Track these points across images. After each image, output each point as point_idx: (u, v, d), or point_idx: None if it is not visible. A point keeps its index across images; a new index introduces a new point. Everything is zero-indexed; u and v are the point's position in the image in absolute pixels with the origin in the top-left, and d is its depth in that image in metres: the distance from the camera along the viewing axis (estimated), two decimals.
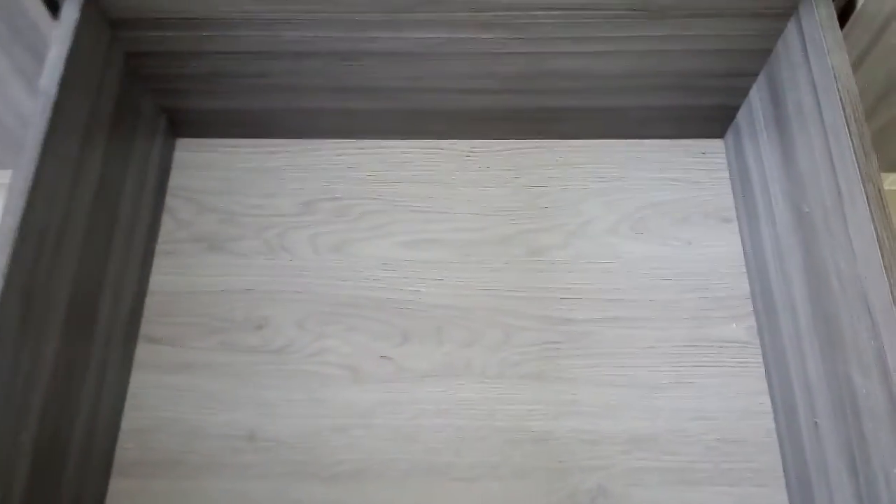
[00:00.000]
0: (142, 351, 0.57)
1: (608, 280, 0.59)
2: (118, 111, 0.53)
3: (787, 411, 0.52)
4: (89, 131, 0.49)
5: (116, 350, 0.54)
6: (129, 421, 0.54)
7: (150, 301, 0.58)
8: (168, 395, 0.55)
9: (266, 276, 0.59)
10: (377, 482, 0.53)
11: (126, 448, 0.53)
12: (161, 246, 0.60)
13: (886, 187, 0.45)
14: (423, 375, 0.56)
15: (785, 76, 0.53)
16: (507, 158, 0.64)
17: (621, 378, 0.56)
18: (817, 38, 0.49)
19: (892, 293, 0.41)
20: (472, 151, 0.65)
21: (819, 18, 0.49)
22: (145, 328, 0.57)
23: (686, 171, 0.64)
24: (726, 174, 0.64)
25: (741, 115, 0.61)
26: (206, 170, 0.63)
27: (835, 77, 0.47)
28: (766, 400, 0.55)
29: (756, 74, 0.58)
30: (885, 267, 0.42)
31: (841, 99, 0.46)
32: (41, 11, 0.51)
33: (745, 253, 0.60)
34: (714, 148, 0.65)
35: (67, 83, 0.46)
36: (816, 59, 0.49)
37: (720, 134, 0.65)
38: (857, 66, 0.56)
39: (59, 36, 0.47)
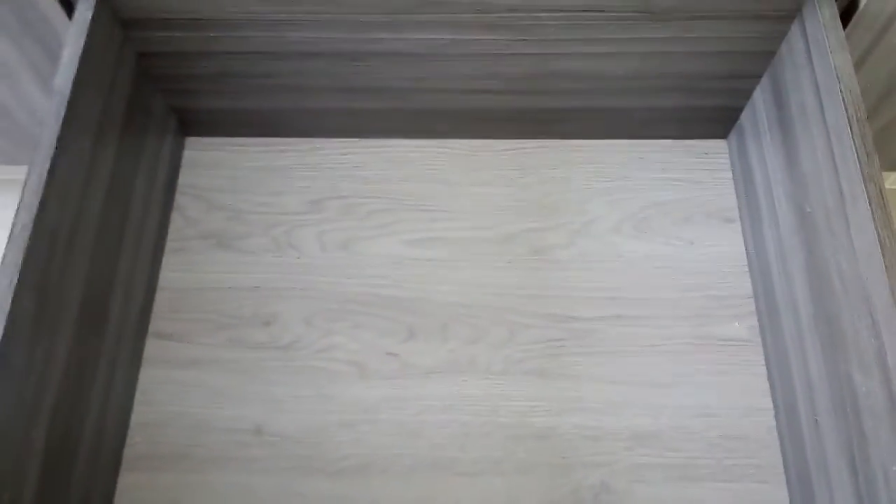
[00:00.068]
0: (151, 347, 0.57)
1: (611, 278, 0.60)
2: (129, 110, 0.54)
3: (788, 409, 0.53)
4: (101, 130, 0.50)
5: (126, 347, 0.54)
6: (137, 416, 0.55)
7: (159, 297, 0.59)
8: (176, 391, 0.56)
9: (274, 273, 0.60)
10: (382, 477, 0.53)
11: (135, 442, 0.54)
12: (170, 243, 0.61)
13: (889, 186, 0.46)
14: (429, 372, 0.56)
15: (788, 78, 0.54)
16: (511, 158, 0.65)
17: (624, 375, 0.56)
18: (820, 39, 0.49)
19: (892, 293, 0.41)
20: (476, 151, 0.65)
21: (822, 19, 0.49)
22: (154, 324, 0.58)
23: (689, 171, 0.64)
24: (729, 175, 0.64)
25: (745, 117, 0.62)
26: (214, 168, 0.64)
27: (837, 78, 0.47)
28: (768, 398, 0.56)
29: (760, 76, 0.58)
30: (886, 266, 0.42)
31: (843, 100, 0.47)
32: (55, 8, 0.52)
33: (747, 253, 0.61)
34: (717, 149, 0.65)
35: (81, 82, 0.46)
36: (819, 60, 0.49)
37: (723, 135, 0.65)
38: (859, 66, 0.57)
39: (72, 35, 0.47)
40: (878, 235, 0.43)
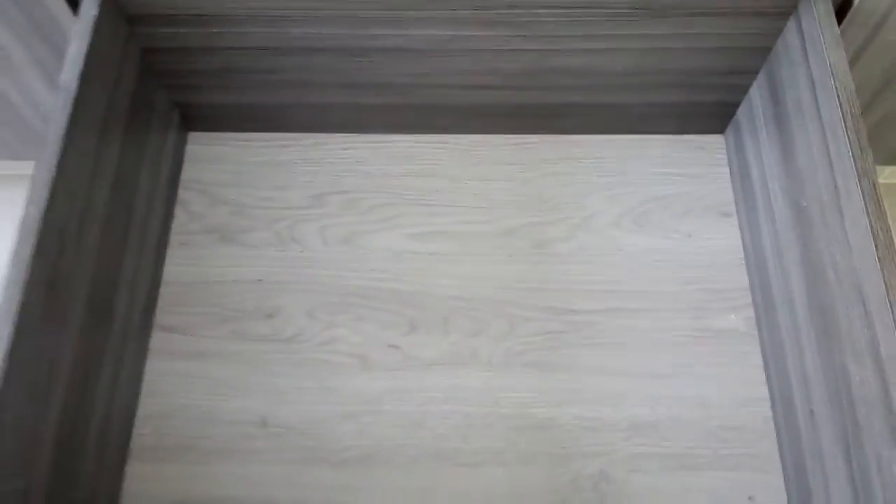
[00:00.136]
0: (156, 340, 0.58)
1: (611, 272, 0.60)
2: (134, 106, 0.54)
3: (784, 400, 0.54)
4: (106, 125, 0.50)
5: (132, 340, 0.55)
6: (144, 407, 0.56)
7: (163, 291, 0.60)
8: (181, 383, 0.56)
9: (276, 266, 0.60)
10: (385, 467, 0.54)
11: (141, 434, 0.55)
12: (174, 237, 0.62)
13: (882, 180, 0.47)
14: (431, 364, 0.57)
15: (784, 74, 0.54)
16: (512, 153, 0.66)
17: (623, 367, 0.57)
18: (815, 36, 0.50)
19: (885, 284, 0.42)
20: (477, 146, 0.66)
21: (817, 16, 0.50)
22: (159, 318, 0.59)
23: (687, 166, 0.65)
24: (726, 169, 0.65)
25: (741, 112, 0.63)
26: (218, 163, 0.65)
27: (832, 74, 0.48)
28: (764, 388, 0.56)
29: (756, 72, 0.59)
30: (878, 259, 0.43)
31: (838, 96, 0.47)
32: (60, 4, 0.52)
33: (744, 246, 0.61)
34: (715, 144, 0.66)
35: (87, 78, 0.47)
36: (815, 56, 0.50)
37: (721, 130, 0.66)
38: (853, 62, 0.57)
39: (78, 31, 0.48)
40: (872, 228, 0.44)
